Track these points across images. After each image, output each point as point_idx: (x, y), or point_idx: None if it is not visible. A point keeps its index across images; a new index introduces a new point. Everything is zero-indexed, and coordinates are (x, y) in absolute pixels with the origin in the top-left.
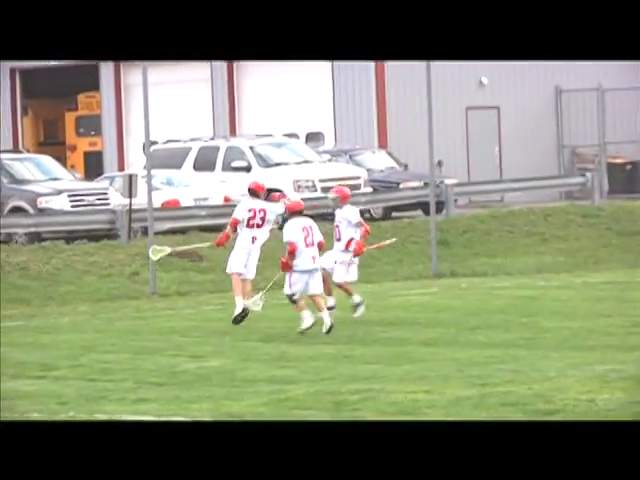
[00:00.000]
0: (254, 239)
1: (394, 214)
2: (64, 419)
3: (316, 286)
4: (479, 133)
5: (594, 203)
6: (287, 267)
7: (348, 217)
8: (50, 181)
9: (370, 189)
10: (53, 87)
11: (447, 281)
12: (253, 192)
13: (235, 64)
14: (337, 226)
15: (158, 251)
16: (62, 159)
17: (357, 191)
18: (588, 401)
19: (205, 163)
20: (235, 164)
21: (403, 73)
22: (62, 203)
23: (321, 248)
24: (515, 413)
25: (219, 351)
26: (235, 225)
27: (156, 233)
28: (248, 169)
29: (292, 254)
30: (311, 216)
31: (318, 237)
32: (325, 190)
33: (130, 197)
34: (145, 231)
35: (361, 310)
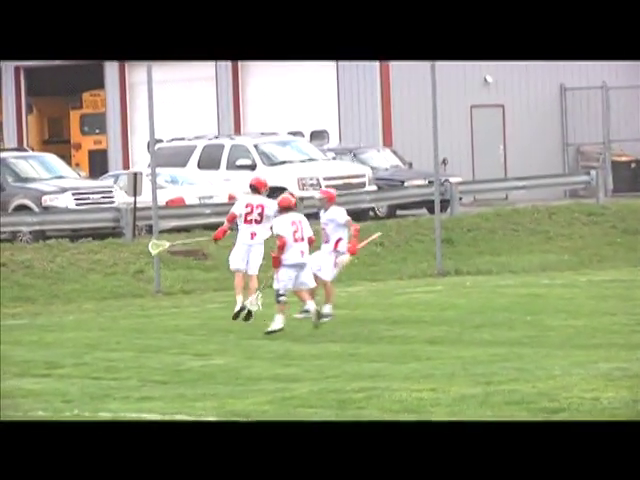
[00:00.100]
0: (253, 235)
1: (399, 212)
2: (69, 418)
3: (307, 278)
4: (484, 131)
5: (599, 201)
6: (277, 262)
7: (335, 218)
8: (55, 179)
9: (375, 187)
10: (58, 85)
11: (452, 279)
12: (254, 188)
13: (240, 63)
14: (324, 228)
15: (157, 245)
16: (67, 157)
17: (362, 189)
18: (593, 399)
19: (210, 161)
20: (240, 162)
21: (408, 71)
22: (67, 201)
23: (311, 244)
24: (520, 411)
25: (223, 349)
26: (232, 219)
27: (161, 231)
28: (253, 167)
29: (282, 248)
30: (316, 214)
31: (308, 232)
32: (330, 188)
33: (135, 195)
34: (150, 229)
35: (302, 317)
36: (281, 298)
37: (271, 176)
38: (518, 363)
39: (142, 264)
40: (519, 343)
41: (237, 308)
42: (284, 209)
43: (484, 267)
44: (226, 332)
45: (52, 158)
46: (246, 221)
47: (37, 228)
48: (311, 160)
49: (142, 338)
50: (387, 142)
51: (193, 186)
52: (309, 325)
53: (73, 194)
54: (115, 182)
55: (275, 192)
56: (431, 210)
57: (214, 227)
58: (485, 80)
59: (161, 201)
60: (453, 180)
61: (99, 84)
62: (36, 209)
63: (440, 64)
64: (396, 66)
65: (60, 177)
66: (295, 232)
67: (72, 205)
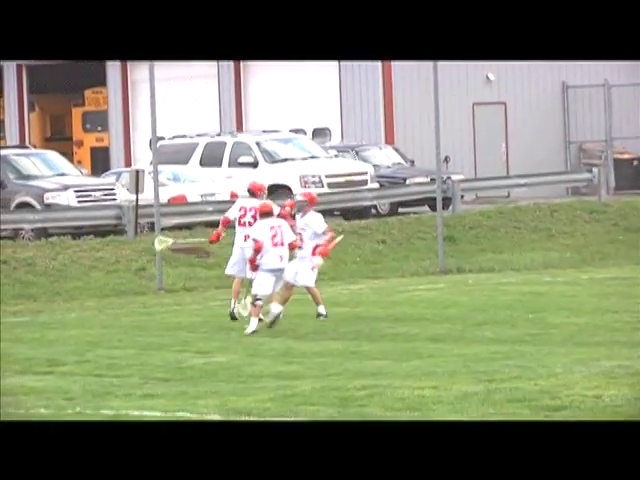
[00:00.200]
0: (247, 237)
1: (401, 210)
2: (71, 415)
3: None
4: (486, 129)
5: (601, 199)
6: (254, 266)
7: (313, 227)
8: (57, 177)
9: (377, 185)
10: (60, 83)
11: (454, 277)
12: (250, 192)
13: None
14: (300, 233)
15: (163, 241)
16: (69, 155)
17: (364, 187)
18: (594, 397)
19: (212, 159)
20: (242, 160)
21: (410, 69)
22: (69, 199)
23: (292, 249)
24: (521, 409)
25: (225, 347)
26: (226, 223)
27: (163, 229)
28: (255, 165)
29: (257, 252)
30: (320, 212)
31: (289, 238)
32: (332, 186)
33: (137, 193)
34: (152, 227)
35: (269, 320)
36: (257, 302)
37: (273, 174)
38: (520, 361)
39: (144, 262)
40: (521, 341)
41: (230, 309)
42: (264, 214)
43: (486, 265)
44: (228, 330)
45: (54, 155)
46: (240, 224)
47: (39, 225)
48: (313, 158)
49: (144, 335)
50: (389, 140)
51: (195, 183)
52: (311, 323)
53: (75, 191)
54: (117, 180)
55: (277, 189)
56: (433, 208)
57: (216, 224)
58: (487, 78)
59: (163, 198)
60: (455, 178)
61: (101, 81)
62: (38, 206)
63: (442, 62)
64: (398, 64)
65: (62, 174)
66: (274, 237)
67: (74, 202)
